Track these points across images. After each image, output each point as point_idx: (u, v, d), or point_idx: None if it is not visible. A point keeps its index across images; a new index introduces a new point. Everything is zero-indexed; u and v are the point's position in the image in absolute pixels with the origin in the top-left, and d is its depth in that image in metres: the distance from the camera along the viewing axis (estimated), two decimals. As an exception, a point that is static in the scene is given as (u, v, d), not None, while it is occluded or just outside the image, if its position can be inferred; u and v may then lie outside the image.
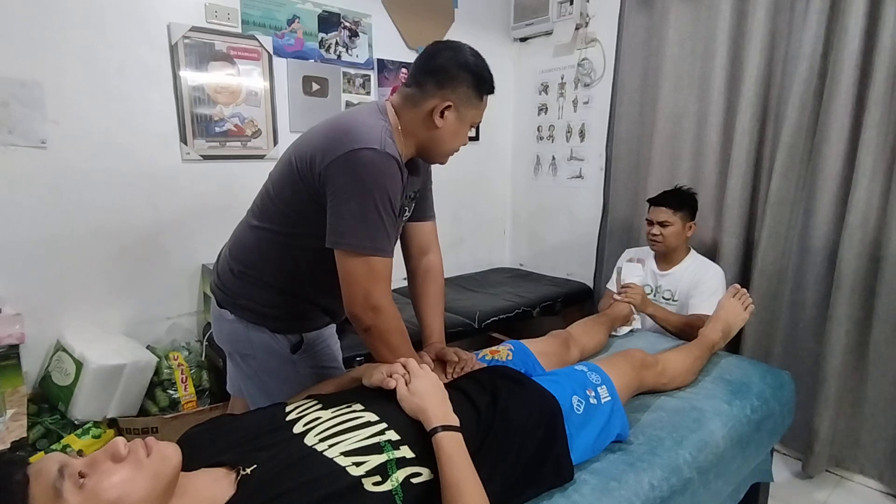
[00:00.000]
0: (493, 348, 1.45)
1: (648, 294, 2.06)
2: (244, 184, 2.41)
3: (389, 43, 2.82)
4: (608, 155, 2.80)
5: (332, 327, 1.43)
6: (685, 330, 1.87)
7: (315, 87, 2.57)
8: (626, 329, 1.96)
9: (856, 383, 2.00)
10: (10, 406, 1.71)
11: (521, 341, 1.51)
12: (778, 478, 1.83)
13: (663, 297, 2.12)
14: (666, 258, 2.12)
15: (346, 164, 1.07)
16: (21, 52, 1.85)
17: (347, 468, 0.81)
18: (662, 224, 2.03)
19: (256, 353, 1.29)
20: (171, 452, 0.74)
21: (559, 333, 1.66)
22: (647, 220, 2.11)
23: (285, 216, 1.21)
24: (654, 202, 2.08)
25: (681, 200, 2.05)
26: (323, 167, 1.09)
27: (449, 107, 1.16)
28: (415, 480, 0.86)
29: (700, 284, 2.00)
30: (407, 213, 1.32)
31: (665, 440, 1.25)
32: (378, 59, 2.77)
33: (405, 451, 0.88)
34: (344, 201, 1.08)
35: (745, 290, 1.77)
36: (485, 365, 1.29)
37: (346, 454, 0.84)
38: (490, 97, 1.25)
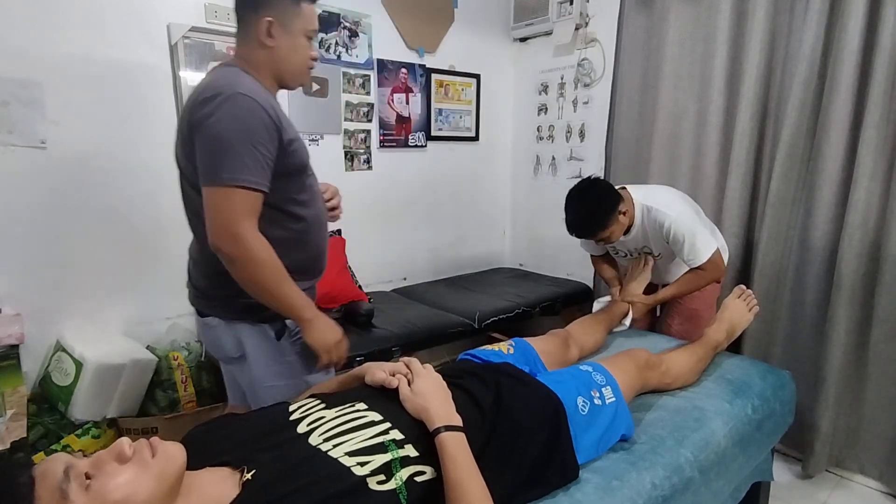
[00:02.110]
0: (495, 343, 1.46)
1: (626, 255, 2.01)
2: (244, 184, 2.42)
3: (389, 43, 2.82)
4: (608, 155, 2.80)
5: None
6: (695, 283, 1.84)
7: (315, 87, 2.57)
8: (622, 327, 1.94)
9: (856, 383, 2.00)
10: (10, 406, 1.71)
11: (523, 339, 1.52)
12: (778, 478, 1.84)
13: (644, 253, 1.98)
14: None
15: (206, 112, 1.09)
16: (21, 52, 1.85)
17: (352, 468, 0.82)
18: (603, 240, 1.83)
19: (246, 351, 1.29)
20: (175, 452, 0.74)
21: (559, 332, 1.66)
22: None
23: None
24: (575, 234, 1.86)
25: (595, 218, 1.76)
26: (192, 124, 1.12)
27: (271, 23, 1.18)
28: (419, 479, 0.86)
29: (670, 241, 1.80)
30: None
31: (667, 439, 1.25)
32: (378, 59, 2.77)
33: (409, 450, 0.88)
34: (205, 142, 1.10)
35: (750, 291, 1.76)
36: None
37: (350, 454, 0.84)
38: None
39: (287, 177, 1.20)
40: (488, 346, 1.43)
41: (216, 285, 1.26)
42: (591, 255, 2.19)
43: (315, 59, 1.30)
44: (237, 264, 1.12)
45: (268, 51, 1.21)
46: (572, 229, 1.81)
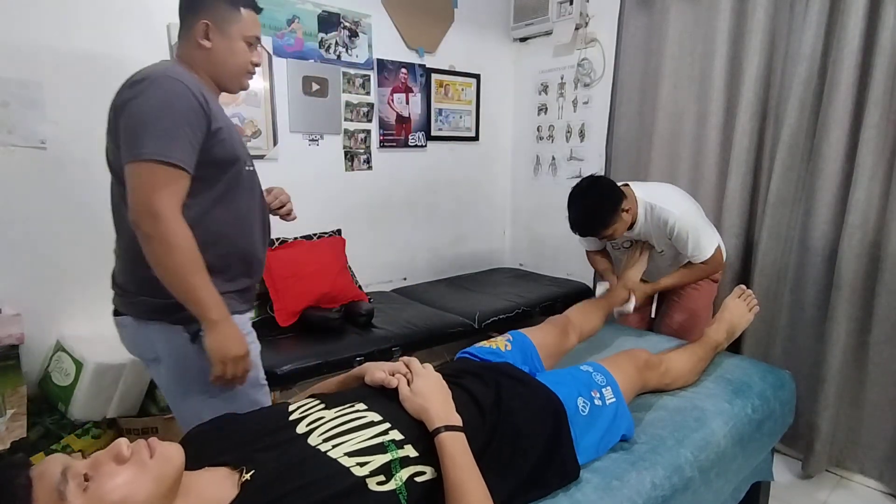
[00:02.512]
0: (492, 339, 1.44)
1: (628, 248, 2.01)
2: (244, 184, 2.42)
3: (389, 43, 2.82)
4: (608, 155, 2.80)
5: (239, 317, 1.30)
6: (694, 275, 1.87)
7: (315, 87, 2.57)
8: (627, 307, 1.91)
9: (856, 383, 2.00)
10: (10, 406, 1.71)
11: (521, 331, 1.50)
12: (778, 478, 1.83)
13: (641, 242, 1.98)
14: None
15: (132, 93, 1.09)
16: (21, 52, 1.85)
17: (351, 468, 0.81)
18: (607, 238, 1.84)
19: (161, 354, 1.23)
20: (174, 453, 0.74)
21: (557, 321, 1.64)
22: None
23: None
24: (581, 234, 1.86)
25: (598, 217, 1.74)
26: (117, 106, 1.12)
27: (207, 25, 1.20)
28: (419, 479, 0.86)
29: (673, 238, 1.80)
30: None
31: (667, 439, 1.25)
32: (378, 59, 2.77)
33: (409, 451, 0.88)
34: (129, 121, 1.09)
35: (750, 291, 1.76)
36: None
37: (349, 454, 0.84)
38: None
39: (215, 166, 1.18)
40: (486, 343, 1.41)
41: (131, 280, 1.22)
42: (591, 261, 2.19)
43: (256, 65, 1.31)
44: (152, 243, 1.08)
45: (205, 52, 1.23)
46: (575, 227, 1.80)
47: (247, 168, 1.29)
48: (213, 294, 1.14)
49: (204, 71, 1.25)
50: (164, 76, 1.11)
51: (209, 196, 1.19)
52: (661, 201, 1.80)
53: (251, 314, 1.38)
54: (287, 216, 1.51)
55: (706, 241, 1.80)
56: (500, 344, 1.41)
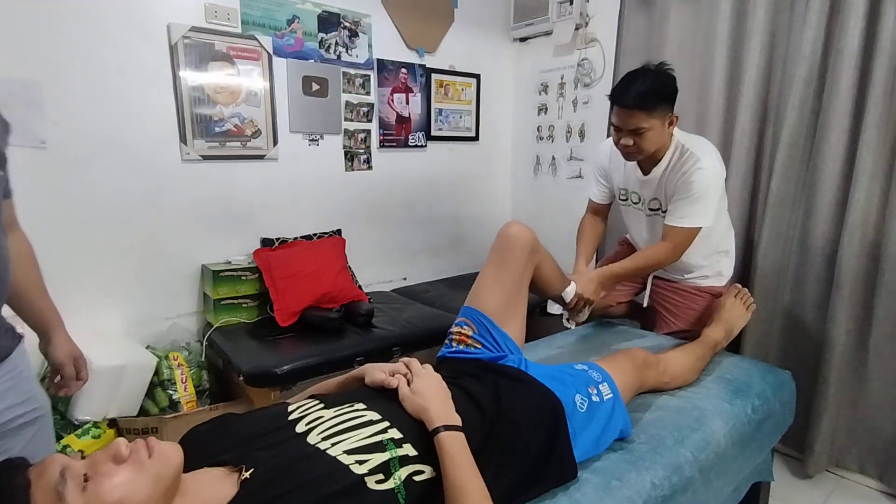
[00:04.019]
0: (457, 335, 1.32)
1: (636, 203, 1.83)
2: (244, 184, 2.42)
3: (389, 43, 2.82)
4: (608, 155, 2.79)
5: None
6: (652, 260, 1.68)
7: (315, 87, 2.57)
8: (576, 321, 1.73)
9: (856, 383, 2.00)
10: (10, 406, 1.71)
11: (468, 304, 1.36)
12: (778, 477, 1.83)
13: (650, 209, 1.79)
14: (649, 158, 1.68)
15: None
16: (21, 52, 1.85)
17: (350, 466, 0.81)
18: (636, 132, 1.57)
19: None
20: (172, 453, 0.74)
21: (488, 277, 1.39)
22: (612, 125, 1.64)
23: None
24: (621, 103, 1.56)
25: (657, 94, 1.54)
26: None
27: None
28: (417, 478, 0.86)
29: (680, 187, 1.62)
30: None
31: (666, 439, 1.25)
32: (378, 59, 2.77)
33: (408, 450, 0.88)
34: None
35: (745, 289, 1.77)
36: None
37: (348, 452, 0.84)
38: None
39: None
40: (457, 343, 1.31)
41: None
42: (579, 230, 2.01)
43: None
44: None
45: None
46: (621, 96, 1.55)
47: None
48: None
49: None
50: None
51: None
52: (698, 150, 1.62)
53: None
54: (59, 391, 1.24)
55: (701, 211, 1.60)
56: (470, 343, 1.30)
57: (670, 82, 1.57)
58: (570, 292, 1.62)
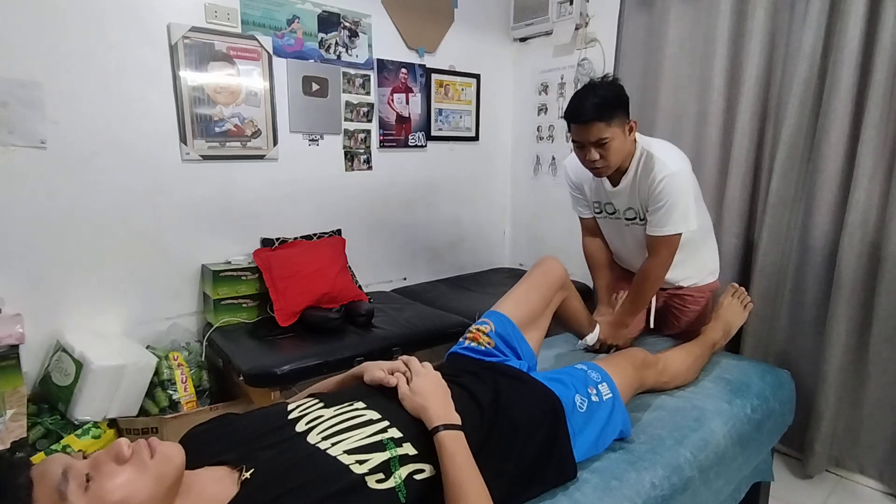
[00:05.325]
0: (475, 333, 1.35)
1: (612, 214, 1.80)
2: (244, 184, 2.42)
3: (389, 43, 2.82)
4: (608, 155, 2.79)
5: None
6: (650, 293, 1.69)
7: (315, 87, 2.57)
8: (588, 339, 1.74)
9: (856, 383, 2.00)
10: (10, 406, 1.71)
11: (495, 308, 1.41)
12: (778, 477, 1.83)
13: (626, 219, 1.75)
14: (616, 169, 1.64)
15: None
16: (21, 52, 1.85)
17: (350, 466, 0.82)
18: (599, 144, 1.53)
19: None
20: (174, 453, 0.74)
21: (520, 292, 1.48)
22: (574, 142, 1.59)
23: None
24: (578, 119, 1.53)
25: (612, 104, 1.52)
26: None
27: None
28: (418, 477, 0.86)
29: (653, 198, 1.59)
30: None
31: (666, 439, 1.25)
32: (378, 60, 2.77)
33: (408, 449, 0.88)
34: None
35: (742, 288, 1.78)
36: None
37: (348, 452, 0.84)
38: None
39: None
40: (470, 340, 1.33)
41: None
42: (588, 258, 2.04)
43: None
44: None
45: None
46: (577, 112, 1.54)
47: None
48: None
49: None
50: None
51: None
52: (659, 153, 1.61)
53: None
54: None
55: (680, 215, 1.57)
56: (483, 340, 1.32)
57: (621, 91, 1.57)
58: (594, 337, 1.74)
